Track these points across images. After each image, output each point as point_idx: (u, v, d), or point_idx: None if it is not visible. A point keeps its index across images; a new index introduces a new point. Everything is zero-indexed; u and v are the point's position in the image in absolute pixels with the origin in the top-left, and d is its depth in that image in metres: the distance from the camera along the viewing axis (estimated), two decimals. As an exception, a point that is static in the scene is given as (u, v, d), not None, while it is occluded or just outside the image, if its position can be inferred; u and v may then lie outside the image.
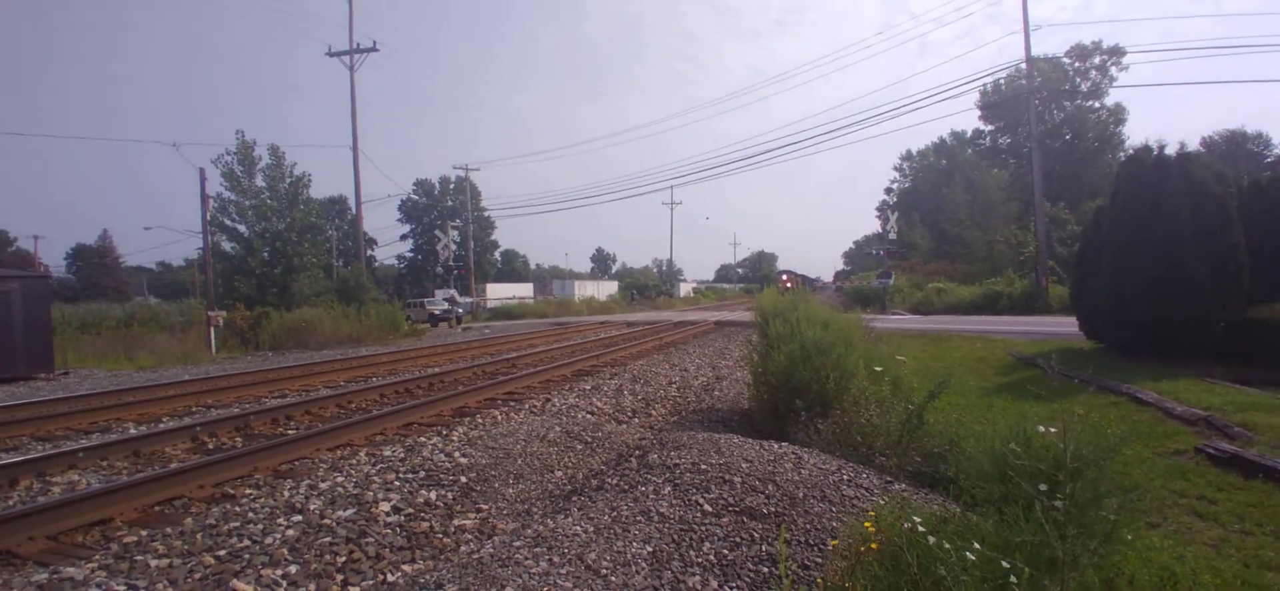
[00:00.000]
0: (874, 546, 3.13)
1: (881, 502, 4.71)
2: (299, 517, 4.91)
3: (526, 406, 9.08)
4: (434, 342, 24.54)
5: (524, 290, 65.61)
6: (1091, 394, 10.52)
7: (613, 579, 3.37)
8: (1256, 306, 12.07)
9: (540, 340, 21.99)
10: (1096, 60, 45.68)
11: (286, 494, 5.36)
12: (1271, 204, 13.18)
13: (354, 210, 36.05)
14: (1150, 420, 8.79)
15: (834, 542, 3.50)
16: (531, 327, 31.25)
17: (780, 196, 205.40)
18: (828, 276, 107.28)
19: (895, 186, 73.92)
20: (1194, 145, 49.49)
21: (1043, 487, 3.94)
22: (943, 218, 50.60)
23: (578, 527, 4.03)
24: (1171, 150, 13.83)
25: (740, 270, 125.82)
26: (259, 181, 32.89)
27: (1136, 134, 52.31)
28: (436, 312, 37.95)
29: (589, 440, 7.38)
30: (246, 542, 4.57)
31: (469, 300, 45.82)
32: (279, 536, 4.66)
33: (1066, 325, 17.18)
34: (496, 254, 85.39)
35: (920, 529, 3.24)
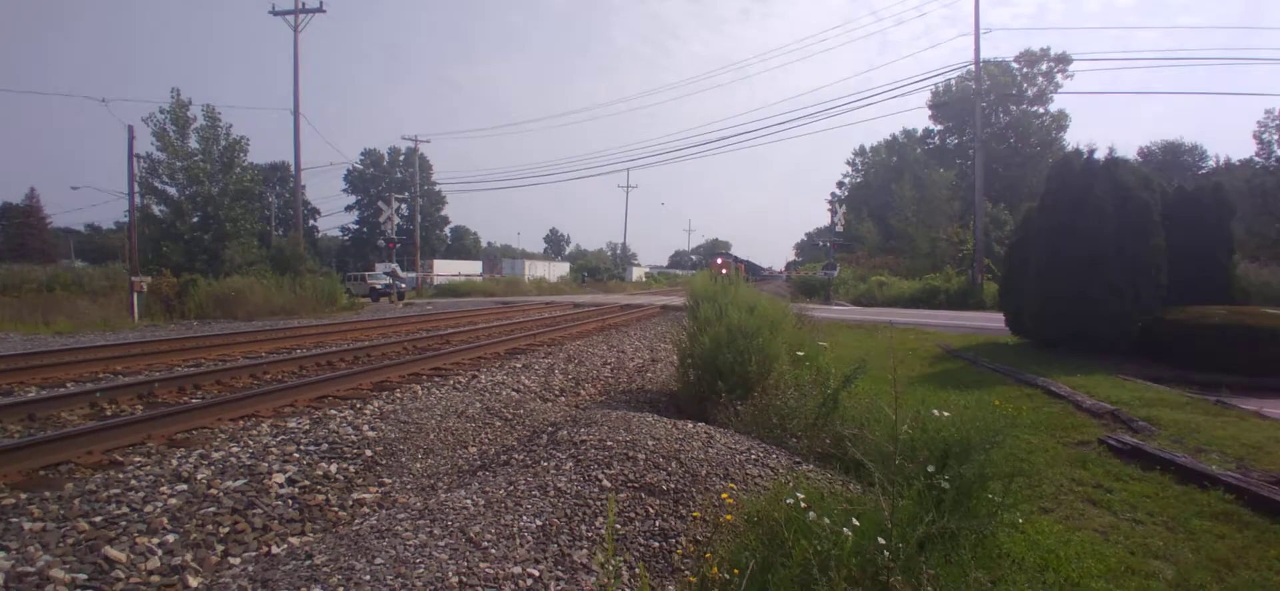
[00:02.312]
0: (728, 518, 3.12)
1: (784, 481, 4.74)
2: (184, 487, 4.69)
3: (451, 382, 8.90)
4: (371, 317, 23.94)
5: (472, 268, 64.54)
6: (1010, 386, 10.90)
7: (493, 551, 3.29)
8: (1173, 308, 12.65)
9: (481, 318, 21.67)
10: (1043, 66, 47.25)
11: (174, 463, 5.11)
12: (1195, 210, 13.82)
13: (295, 177, 34.75)
14: (1061, 412, 9.08)
15: (696, 512, 3.49)
16: (476, 305, 30.79)
17: (737, 185, 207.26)
18: (780, 266, 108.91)
19: (847, 181, 75.34)
20: (1135, 155, 51.92)
21: (931, 468, 4.03)
22: (891, 213, 51.80)
23: (469, 501, 3.93)
24: (1101, 155, 14.41)
25: (694, 256, 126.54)
26: (193, 143, 31.49)
27: (1080, 141, 54.33)
28: (378, 287, 37.06)
29: (509, 417, 7.28)
30: (125, 510, 4.34)
31: (413, 275, 44.87)
32: (160, 505, 4.43)
33: (997, 321, 17.74)
34: (447, 230, 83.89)
35: (803, 504, 3.27)
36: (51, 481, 4.89)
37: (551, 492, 4.04)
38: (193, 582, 3.71)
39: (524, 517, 3.70)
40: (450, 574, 3.05)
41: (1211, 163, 51.81)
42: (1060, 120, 49.22)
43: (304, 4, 31.38)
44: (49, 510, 4.27)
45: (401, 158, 72.72)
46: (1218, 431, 7.69)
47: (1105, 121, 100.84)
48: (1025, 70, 47.24)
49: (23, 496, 4.49)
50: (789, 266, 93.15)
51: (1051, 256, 12.99)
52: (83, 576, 3.56)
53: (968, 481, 3.99)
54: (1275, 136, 39.33)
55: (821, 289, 36.31)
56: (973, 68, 31.78)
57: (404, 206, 60.15)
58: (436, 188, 72.05)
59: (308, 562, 3.22)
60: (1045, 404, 9.52)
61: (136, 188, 28.46)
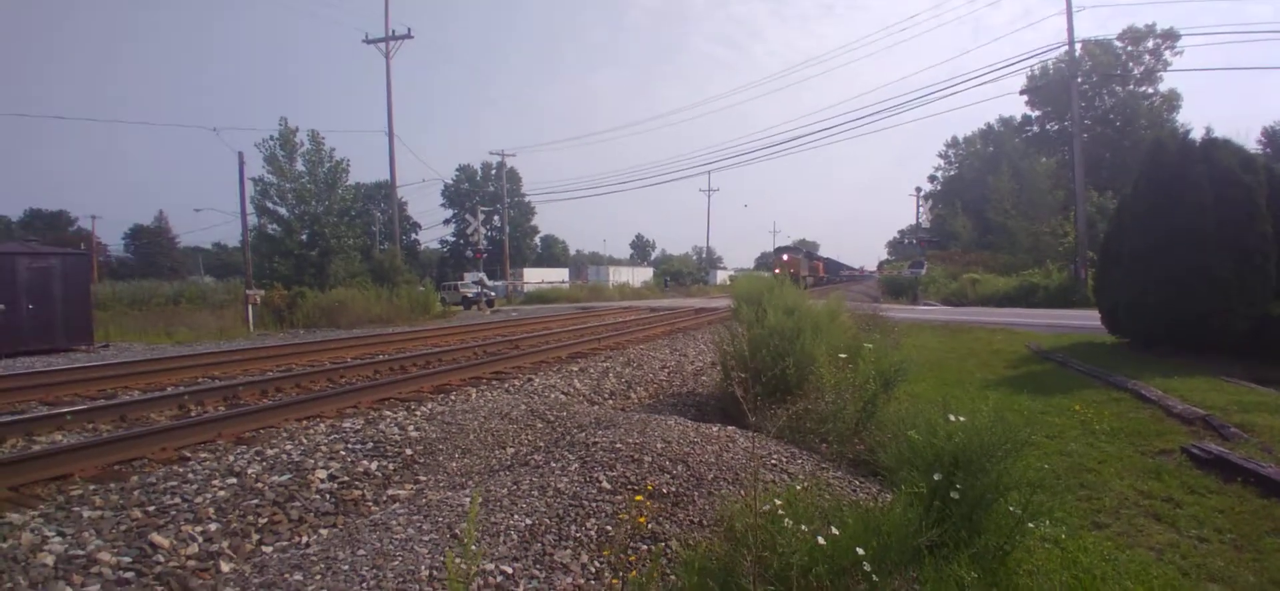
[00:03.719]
0: (642, 520, 3.09)
1: (798, 488, 4.64)
2: (234, 480, 5.11)
3: (506, 385, 9.21)
4: (459, 324, 25.01)
5: (559, 275, 66.22)
6: (1097, 389, 10.14)
7: (473, 548, 3.42)
8: (1284, 302, 11.38)
9: (556, 323, 22.20)
10: (1150, 44, 43.44)
11: (232, 459, 5.57)
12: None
13: (392, 195, 36.88)
14: (1148, 417, 8.38)
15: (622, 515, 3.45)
16: (556, 311, 31.57)
17: (824, 184, 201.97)
18: (873, 265, 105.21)
19: (940, 174, 71.93)
20: (1258, 136, 46.74)
21: (937, 476, 3.83)
22: (987, 206, 49.04)
23: (467, 499, 4.10)
24: (1198, 135, 13.15)
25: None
26: (299, 166, 34.01)
27: (1196, 122, 49.37)
28: (469, 295, 38.74)
29: (552, 419, 7.45)
30: (177, 500, 4.78)
31: (500, 284, 46.45)
32: (210, 496, 4.86)
33: (1097, 319, 16.55)
34: (536, 239, 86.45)
35: (780, 511, 3.19)
36: (122, 475, 5.44)
37: (550, 493, 4.14)
38: (225, 568, 4.06)
39: (515, 516, 3.81)
40: (423, 567, 3.20)
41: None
42: (1171, 101, 45.00)
43: (394, 32, 33.24)
44: (110, 500, 4.77)
45: (492, 171, 75.54)
46: (1320, 439, 6.87)
47: (1225, 102, 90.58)
48: (1129, 49, 43.53)
49: (91, 488, 5.03)
50: (882, 266, 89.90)
51: (1145, 247, 11.99)
52: (127, 559, 3.97)
53: (980, 491, 3.77)
54: None
55: (909, 288, 34.89)
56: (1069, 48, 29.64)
57: (496, 218, 62.50)
58: (525, 198, 74.41)
59: (302, 551, 3.47)
60: (1132, 409, 8.80)
61: (251, 208, 31.05)
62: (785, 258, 46.41)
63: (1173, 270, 11.53)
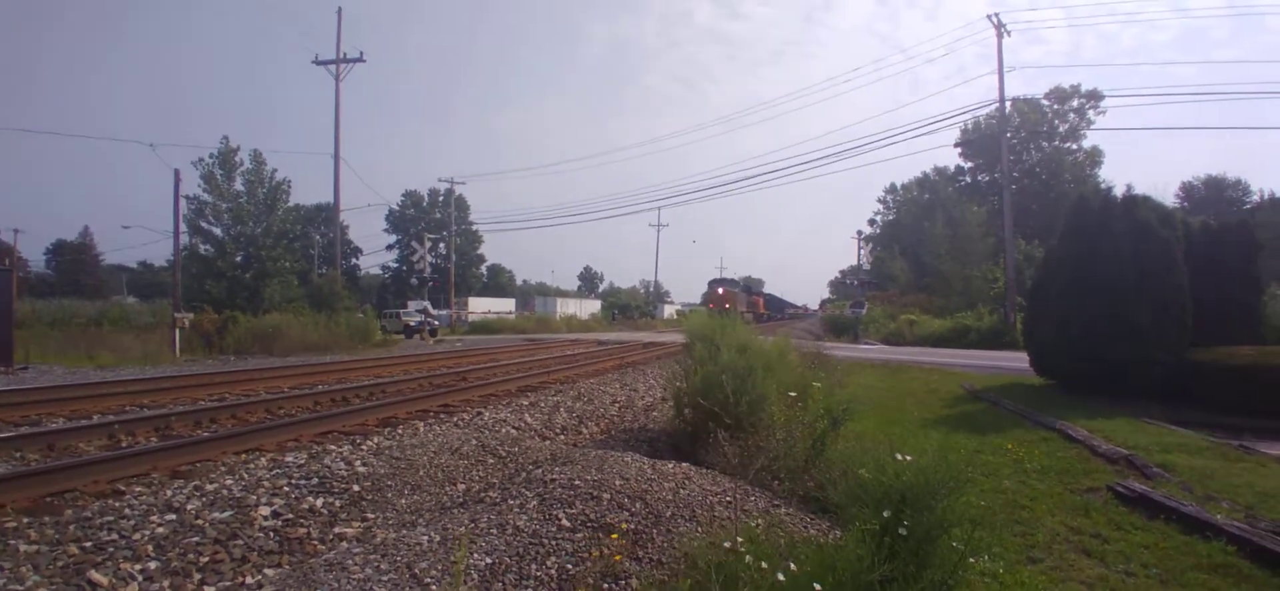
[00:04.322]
0: (618, 558, 3.15)
1: (754, 524, 4.74)
2: (173, 516, 4.89)
3: (455, 419, 9.07)
4: (401, 353, 24.45)
5: (505, 305, 65.47)
6: (1027, 429, 10.63)
7: (434, 588, 3.39)
8: (1200, 348, 12.23)
9: (503, 355, 21.96)
10: (1075, 103, 46.58)
11: (169, 493, 5.34)
12: (1221, 247, 13.40)
13: (334, 218, 36.01)
14: (1075, 456, 8.83)
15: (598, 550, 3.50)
16: (503, 343, 31.19)
17: (772, 222, 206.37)
18: (815, 303, 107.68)
19: (879, 218, 74.69)
20: (1176, 190, 50.41)
21: (887, 513, 3.99)
22: (923, 250, 51.13)
23: (424, 537, 4.04)
24: (1120, 192, 14.16)
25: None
26: (238, 185, 32.91)
27: (1119, 177, 52.99)
28: (411, 324, 37.91)
29: (503, 455, 7.38)
30: (114, 536, 4.57)
31: (444, 313, 45.69)
32: (149, 533, 4.65)
33: (1026, 361, 17.36)
34: (483, 268, 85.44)
35: (742, 549, 3.28)
36: (55, 508, 5.16)
37: (509, 531, 4.13)
38: (165, 610, 3.88)
39: (475, 555, 3.79)
40: (385, 609, 3.15)
41: (1256, 197, 50.07)
42: (1094, 157, 48.49)
43: (345, 54, 32.81)
44: (46, 534, 4.52)
45: (440, 198, 74.59)
46: (1233, 478, 7.42)
47: (1145, 157, 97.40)
48: (1055, 107, 46.68)
49: (25, 521, 4.76)
50: (823, 304, 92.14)
51: (1070, 295, 12.75)
52: (66, 599, 3.76)
53: (926, 528, 3.94)
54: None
55: (850, 327, 35.93)
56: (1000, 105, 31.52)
57: (442, 245, 61.64)
58: (472, 227, 73.69)
59: (254, 593, 3.36)
60: (1060, 448, 9.27)
61: (184, 227, 29.79)
62: (721, 292, 46.62)
63: (1095, 318, 12.27)
